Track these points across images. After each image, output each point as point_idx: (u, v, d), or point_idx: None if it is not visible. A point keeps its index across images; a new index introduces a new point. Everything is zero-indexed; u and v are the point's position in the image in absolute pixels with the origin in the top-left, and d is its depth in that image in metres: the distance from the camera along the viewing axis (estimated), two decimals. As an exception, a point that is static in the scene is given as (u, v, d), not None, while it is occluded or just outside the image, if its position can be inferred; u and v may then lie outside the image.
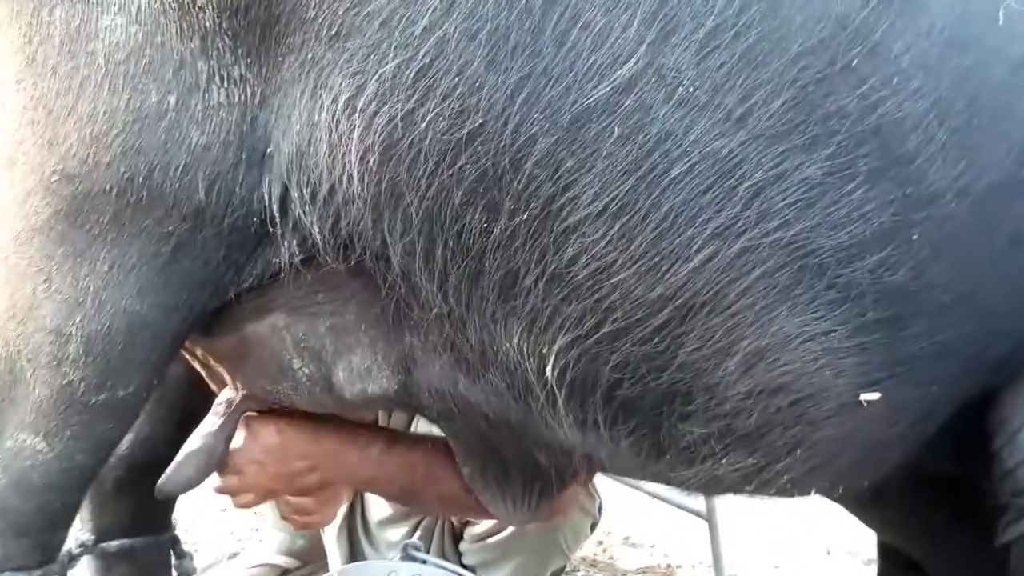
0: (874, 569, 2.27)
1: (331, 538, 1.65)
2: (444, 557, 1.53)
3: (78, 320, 0.82)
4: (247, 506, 1.07)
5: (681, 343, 0.75)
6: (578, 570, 1.97)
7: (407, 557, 1.38)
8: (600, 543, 2.05)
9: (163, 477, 0.99)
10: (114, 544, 1.15)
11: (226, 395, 0.98)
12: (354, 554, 1.65)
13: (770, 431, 0.79)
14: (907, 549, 1.21)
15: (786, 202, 0.71)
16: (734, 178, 0.70)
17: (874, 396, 0.77)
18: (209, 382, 1.04)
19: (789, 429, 0.79)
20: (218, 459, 0.99)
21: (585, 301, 0.75)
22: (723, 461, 0.82)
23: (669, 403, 0.79)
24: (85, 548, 1.11)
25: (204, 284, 0.84)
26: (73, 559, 1.07)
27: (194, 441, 0.98)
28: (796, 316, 0.73)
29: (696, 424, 0.79)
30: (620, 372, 0.78)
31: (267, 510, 1.80)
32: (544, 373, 0.80)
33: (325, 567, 1.93)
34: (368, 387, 0.89)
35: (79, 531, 1.15)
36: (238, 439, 1.01)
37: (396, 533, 1.61)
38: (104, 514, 1.16)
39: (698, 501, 1.82)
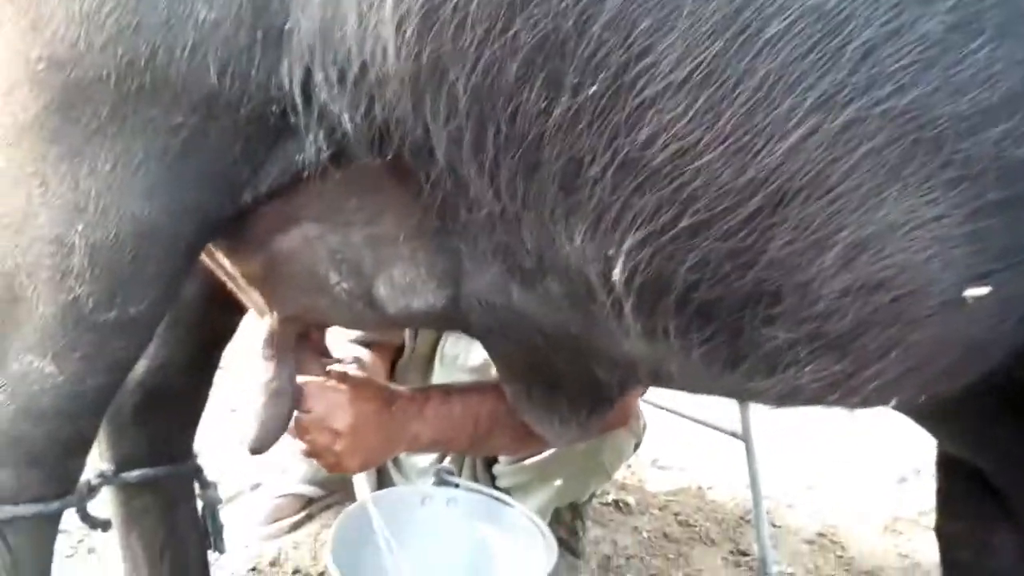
0: (907, 487, 2.25)
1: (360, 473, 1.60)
2: (476, 481, 1.47)
3: (80, 228, 0.73)
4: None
5: (771, 236, 0.65)
6: (608, 493, 1.92)
7: (441, 482, 1.32)
8: (628, 466, 2.00)
9: (248, 439, 0.94)
10: (135, 474, 1.09)
11: (266, 329, 0.90)
12: (382, 481, 1.60)
13: (864, 333, 0.70)
14: (973, 460, 1.14)
15: (900, 64, 0.60)
16: (841, 36, 0.59)
17: (983, 291, 0.68)
18: (251, 307, 0.96)
19: (886, 330, 0.70)
20: (290, 403, 0.93)
21: (662, 191, 0.65)
22: (807, 369, 0.74)
23: (753, 306, 0.70)
24: (104, 478, 1.04)
25: (218, 184, 0.75)
26: (92, 490, 1.00)
27: (260, 394, 0.91)
28: (905, 200, 0.64)
29: (782, 328, 0.70)
30: (698, 272, 0.69)
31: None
32: (610, 277, 0.71)
33: (350, 496, 1.88)
34: (412, 302, 0.81)
35: (98, 461, 1.08)
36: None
37: (426, 459, 1.56)
38: (123, 443, 1.09)
39: (732, 421, 1.76)
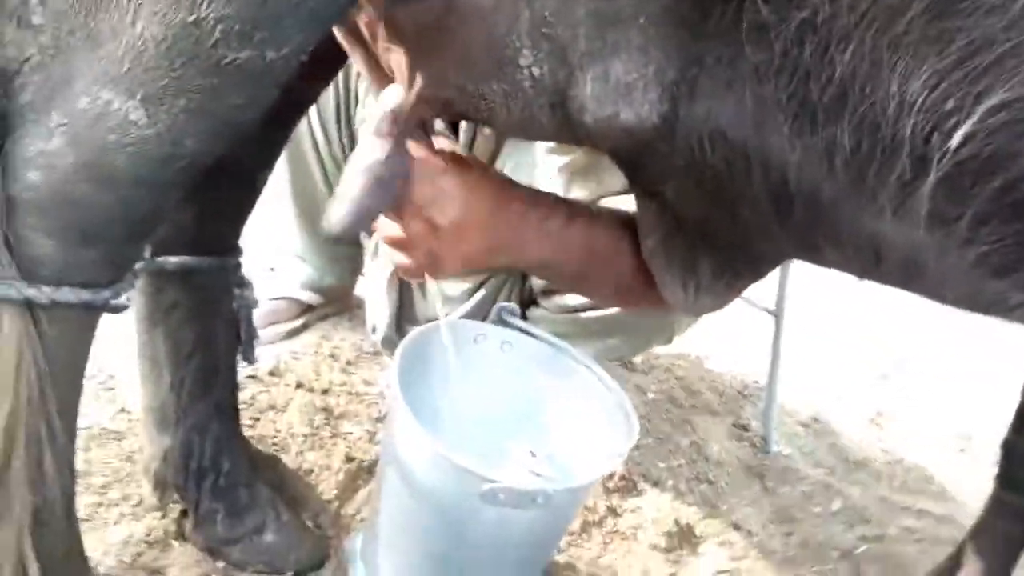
0: (889, 383, 2.29)
1: (377, 283, 1.43)
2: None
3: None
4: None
5: None
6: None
7: (501, 322, 1.18)
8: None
9: (336, 221, 0.72)
10: (173, 260, 0.89)
11: (390, 100, 0.68)
12: (403, 303, 1.44)
13: None
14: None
15: None
16: None
17: None
18: (366, 72, 0.73)
19: None
20: (394, 193, 0.73)
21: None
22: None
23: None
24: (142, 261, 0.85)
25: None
26: (136, 275, 0.80)
27: (361, 175, 0.70)
28: None
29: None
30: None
31: (290, 229, 1.56)
32: (933, 140, 0.54)
33: (350, 309, 1.73)
34: (621, 111, 0.62)
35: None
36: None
37: (456, 288, 1.40)
38: (166, 224, 0.88)
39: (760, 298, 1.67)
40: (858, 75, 0.54)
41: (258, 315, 1.51)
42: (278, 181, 1.46)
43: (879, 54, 0.52)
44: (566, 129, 0.66)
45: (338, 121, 1.39)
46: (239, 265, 0.98)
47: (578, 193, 1.22)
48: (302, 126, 1.40)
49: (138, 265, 0.81)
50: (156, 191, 0.62)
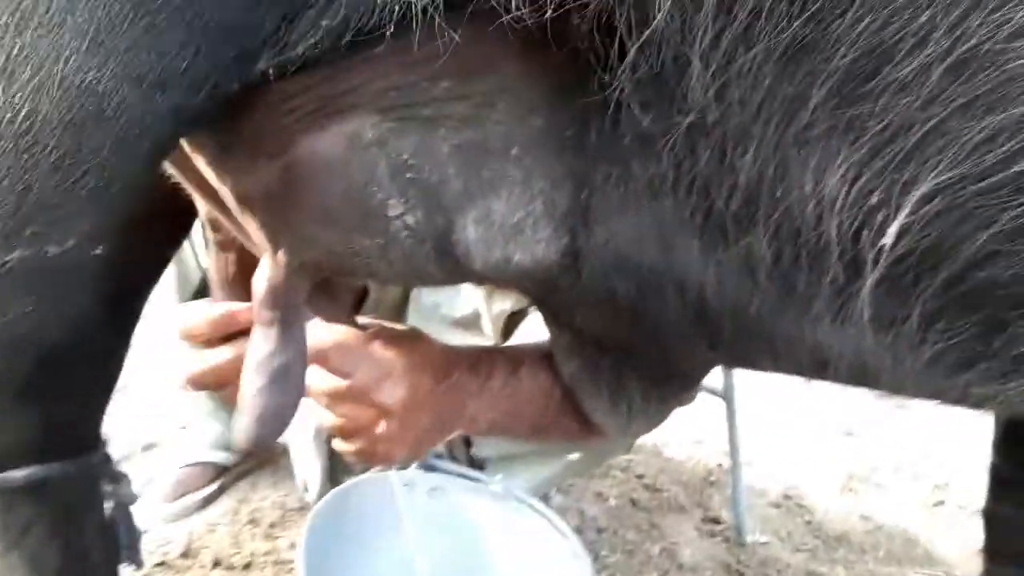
0: (855, 442, 2.21)
1: (304, 433, 1.29)
2: (453, 457, 1.21)
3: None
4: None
5: None
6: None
7: (426, 466, 1.06)
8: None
9: (241, 435, 0.62)
10: (19, 475, 0.74)
11: (262, 282, 0.58)
12: (333, 455, 1.30)
13: None
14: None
15: None
16: None
17: None
18: (213, 254, 0.63)
19: None
20: (300, 386, 0.63)
21: (1005, 112, 0.41)
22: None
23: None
24: (-27, 485, 0.70)
25: (223, 37, 0.43)
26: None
27: (256, 375, 0.59)
28: None
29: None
30: (998, 244, 0.45)
31: (195, 394, 1.41)
32: (863, 238, 0.46)
33: (269, 462, 1.58)
34: (514, 254, 0.52)
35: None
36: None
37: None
38: (3, 431, 0.74)
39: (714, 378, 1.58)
40: (765, 178, 0.46)
41: (167, 486, 1.36)
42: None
43: (784, 152, 0.44)
44: (457, 274, 0.56)
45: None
46: (106, 459, 0.83)
47: (501, 305, 1.13)
48: (187, 255, 1.28)
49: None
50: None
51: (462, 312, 1.14)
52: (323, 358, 0.70)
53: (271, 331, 0.59)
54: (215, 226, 0.77)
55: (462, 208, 0.51)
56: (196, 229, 1.29)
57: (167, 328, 1.25)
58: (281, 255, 0.56)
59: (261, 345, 0.60)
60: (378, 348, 0.72)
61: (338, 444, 0.77)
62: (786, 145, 0.44)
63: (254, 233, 0.56)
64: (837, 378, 0.63)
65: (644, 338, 0.62)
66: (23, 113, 0.38)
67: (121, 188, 0.45)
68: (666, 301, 0.55)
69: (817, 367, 0.62)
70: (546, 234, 0.52)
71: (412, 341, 0.76)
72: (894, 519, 1.81)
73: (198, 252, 1.28)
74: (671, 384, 0.77)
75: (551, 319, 0.70)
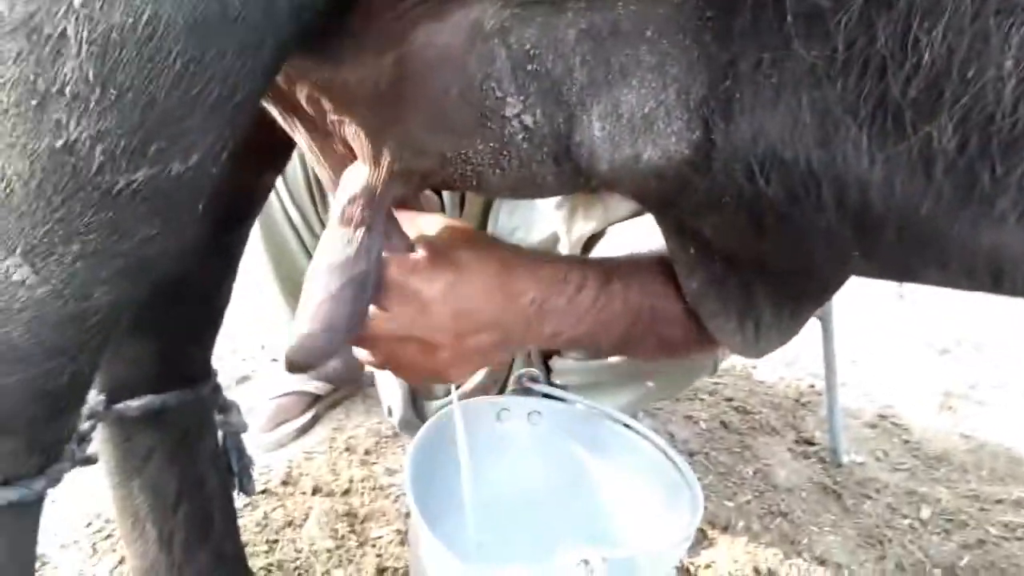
0: (951, 359, 2.13)
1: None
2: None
3: (78, 5, 0.36)
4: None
5: None
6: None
7: (523, 390, 1.04)
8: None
9: (290, 349, 0.57)
10: (135, 404, 0.75)
11: (356, 181, 0.55)
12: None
13: None
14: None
15: None
16: None
17: None
18: (316, 155, 0.60)
19: None
20: (365, 308, 0.59)
21: None
22: None
23: None
24: (95, 415, 0.71)
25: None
26: (83, 440, 0.67)
27: (321, 279, 0.56)
28: None
29: None
30: None
31: (283, 319, 1.42)
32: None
33: (362, 389, 1.60)
34: (643, 151, 0.48)
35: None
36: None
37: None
38: (116, 363, 0.74)
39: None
40: (955, 56, 0.40)
41: (264, 417, 1.39)
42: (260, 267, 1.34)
43: (983, 24, 0.38)
44: (576, 181, 0.52)
45: (311, 197, 1.25)
46: (216, 389, 0.85)
47: (583, 227, 1.09)
48: (275, 208, 1.27)
49: (86, 424, 0.68)
50: (70, 358, 0.49)
51: (540, 236, 1.11)
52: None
53: (356, 233, 0.55)
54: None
55: (586, 103, 0.46)
56: (283, 191, 1.29)
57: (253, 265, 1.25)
58: (385, 160, 0.52)
59: (341, 247, 0.55)
60: (413, 277, 0.63)
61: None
62: (986, 15, 0.38)
63: (352, 138, 0.53)
64: (1015, 289, 0.58)
65: (786, 248, 0.57)
66: (145, 17, 0.35)
67: (243, 98, 0.42)
68: (820, 204, 0.50)
69: (992, 276, 0.56)
70: (680, 124, 0.47)
71: (460, 258, 0.66)
72: (996, 437, 1.74)
73: (288, 211, 1.27)
74: (805, 298, 0.72)
75: (674, 231, 0.66)
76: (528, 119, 0.47)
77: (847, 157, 0.46)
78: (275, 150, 0.72)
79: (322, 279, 0.57)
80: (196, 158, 0.42)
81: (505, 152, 0.49)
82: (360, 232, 0.56)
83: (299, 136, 0.61)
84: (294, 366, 0.57)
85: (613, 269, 0.74)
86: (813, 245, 0.56)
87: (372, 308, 0.65)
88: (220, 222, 0.72)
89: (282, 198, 1.26)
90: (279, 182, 1.23)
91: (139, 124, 0.39)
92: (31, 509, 0.56)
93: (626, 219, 1.08)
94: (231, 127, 0.43)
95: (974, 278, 0.53)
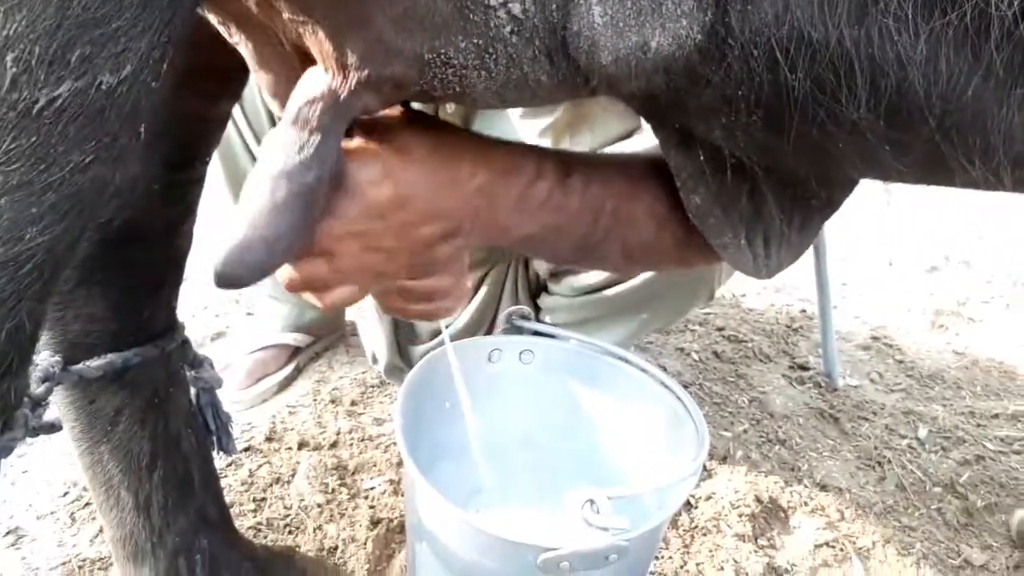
0: (940, 276, 2.10)
1: (367, 305, 1.23)
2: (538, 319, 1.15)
3: None
4: (340, 305, 0.60)
5: None
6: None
7: (513, 329, 0.99)
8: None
9: (220, 258, 0.49)
10: (96, 363, 0.69)
11: (317, 83, 0.47)
12: (399, 322, 1.24)
13: None
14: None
15: None
16: None
17: None
18: (266, 69, 0.53)
19: None
20: (313, 220, 0.52)
21: None
22: None
23: None
24: (51, 378, 0.65)
25: None
26: (37, 405, 0.61)
27: (266, 185, 0.49)
28: None
29: None
30: None
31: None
32: None
33: (344, 339, 1.54)
34: (651, 37, 0.41)
35: (38, 355, 0.67)
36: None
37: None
38: (73, 320, 0.68)
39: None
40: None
41: (242, 372, 1.34)
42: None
43: None
44: (574, 82, 0.46)
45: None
46: (185, 344, 0.78)
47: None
48: (235, 142, 1.18)
49: (41, 388, 0.62)
50: (7, 311, 0.42)
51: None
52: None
53: (311, 139, 0.48)
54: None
55: (585, -13, 0.40)
56: (243, 123, 1.20)
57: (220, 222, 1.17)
58: (352, 67, 0.45)
59: (291, 152, 0.48)
60: (353, 164, 0.55)
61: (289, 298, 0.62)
62: None
63: (314, 44, 0.46)
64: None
65: (807, 148, 0.51)
66: None
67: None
68: (850, 92, 0.44)
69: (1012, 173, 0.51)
70: (690, 5, 0.41)
71: (403, 139, 0.58)
72: (988, 352, 1.73)
73: (250, 145, 1.18)
74: (814, 210, 0.67)
75: (676, 142, 0.60)
76: (516, 7, 0.41)
77: (886, 33, 0.40)
78: (228, 73, 0.65)
79: (266, 185, 0.49)
80: (129, 68, 0.36)
81: (491, 49, 0.43)
82: (315, 137, 0.49)
83: (245, 49, 0.54)
84: (223, 279, 0.49)
85: (574, 163, 0.66)
86: (838, 143, 0.51)
87: None
88: (171, 157, 0.65)
89: (242, 131, 1.17)
90: (238, 112, 1.14)
91: (55, 25, 0.32)
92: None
93: (616, 142, 1.02)
94: (168, 29, 0.36)
95: (1019, 169, 0.48)
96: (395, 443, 1.23)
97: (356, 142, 0.55)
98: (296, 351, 1.38)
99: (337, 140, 0.50)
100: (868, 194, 0.74)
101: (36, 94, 0.35)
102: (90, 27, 0.34)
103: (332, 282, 0.58)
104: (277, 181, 0.49)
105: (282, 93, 0.53)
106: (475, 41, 0.42)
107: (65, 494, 1.10)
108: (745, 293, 1.82)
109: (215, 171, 1.19)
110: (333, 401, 1.31)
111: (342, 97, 0.46)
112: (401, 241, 0.58)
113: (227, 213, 1.24)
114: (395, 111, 0.60)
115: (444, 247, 0.61)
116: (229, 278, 0.49)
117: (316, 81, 0.47)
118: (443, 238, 0.61)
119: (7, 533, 1.02)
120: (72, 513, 1.06)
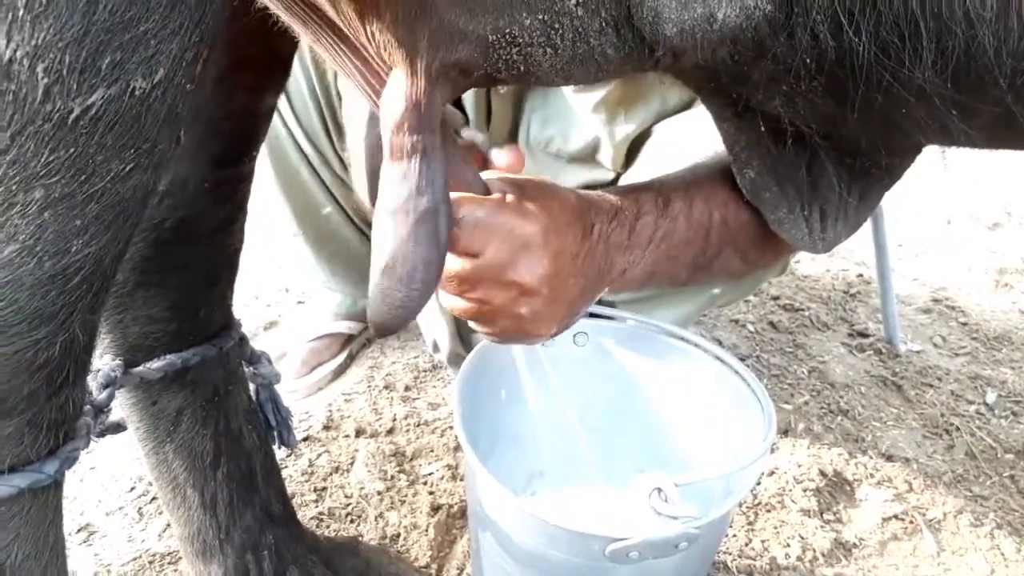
0: (1002, 232, 2.02)
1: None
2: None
3: None
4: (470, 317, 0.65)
5: None
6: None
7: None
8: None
9: (369, 312, 0.51)
10: (155, 366, 0.70)
11: (395, 102, 0.46)
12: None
13: None
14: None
15: None
16: None
17: None
18: (332, 59, 0.52)
19: None
20: (443, 244, 0.52)
21: None
22: None
23: None
24: (112, 383, 0.65)
25: None
26: (100, 412, 0.61)
27: (387, 225, 0.50)
28: None
29: None
30: None
31: (306, 260, 1.35)
32: None
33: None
34: (718, 8, 0.39)
35: (99, 359, 0.68)
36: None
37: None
38: (130, 323, 0.68)
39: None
40: None
41: (297, 361, 1.34)
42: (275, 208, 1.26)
43: None
44: (640, 54, 0.43)
45: (324, 127, 1.16)
46: (243, 340, 0.79)
47: (625, 128, 1.00)
48: (282, 136, 1.18)
49: (103, 394, 0.63)
50: (58, 325, 0.42)
51: (577, 144, 1.01)
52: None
53: (412, 164, 0.47)
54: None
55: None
56: (290, 118, 1.19)
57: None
58: (420, 59, 0.44)
59: (399, 185, 0.48)
60: (509, 215, 0.59)
61: (475, 326, 0.66)
62: None
63: (383, 39, 0.44)
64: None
65: (869, 116, 0.48)
66: None
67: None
68: (916, 56, 0.41)
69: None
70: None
71: (544, 197, 0.62)
72: (1058, 311, 1.66)
73: (298, 139, 1.17)
74: (874, 181, 0.64)
75: (732, 115, 0.57)
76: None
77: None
78: (271, 65, 0.64)
79: (387, 224, 0.50)
80: (162, 72, 0.34)
81: (557, 24, 0.41)
82: (415, 161, 0.49)
83: (321, 48, 0.52)
84: (382, 329, 0.51)
85: (670, 190, 0.68)
86: (903, 109, 0.48)
87: (453, 257, 0.60)
88: (219, 154, 0.64)
89: (289, 124, 1.16)
90: (284, 106, 1.14)
91: (83, 32, 0.31)
92: (47, 494, 0.51)
93: (671, 115, 0.99)
94: (200, 29, 0.35)
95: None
96: (451, 427, 1.23)
97: (508, 193, 0.60)
98: (349, 339, 1.39)
99: (439, 155, 0.49)
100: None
101: (70, 104, 0.35)
102: (118, 31, 0.33)
103: (473, 315, 0.63)
104: (395, 219, 0.49)
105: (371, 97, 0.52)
106: (540, 17, 0.40)
107: (132, 489, 1.12)
108: (799, 260, 1.77)
109: (263, 167, 1.19)
110: (387, 387, 1.31)
111: (423, 105, 0.45)
112: (550, 295, 0.63)
113: (278, 209, 1.25)
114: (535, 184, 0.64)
115: (580, 303, 0.67)
116: (382, 328, 0.52)
117: (394, 100, 0.46)
118: (581, 295, 0.66)
119: (79, 530, 1.05)
120: (140, 508, 1.09)
